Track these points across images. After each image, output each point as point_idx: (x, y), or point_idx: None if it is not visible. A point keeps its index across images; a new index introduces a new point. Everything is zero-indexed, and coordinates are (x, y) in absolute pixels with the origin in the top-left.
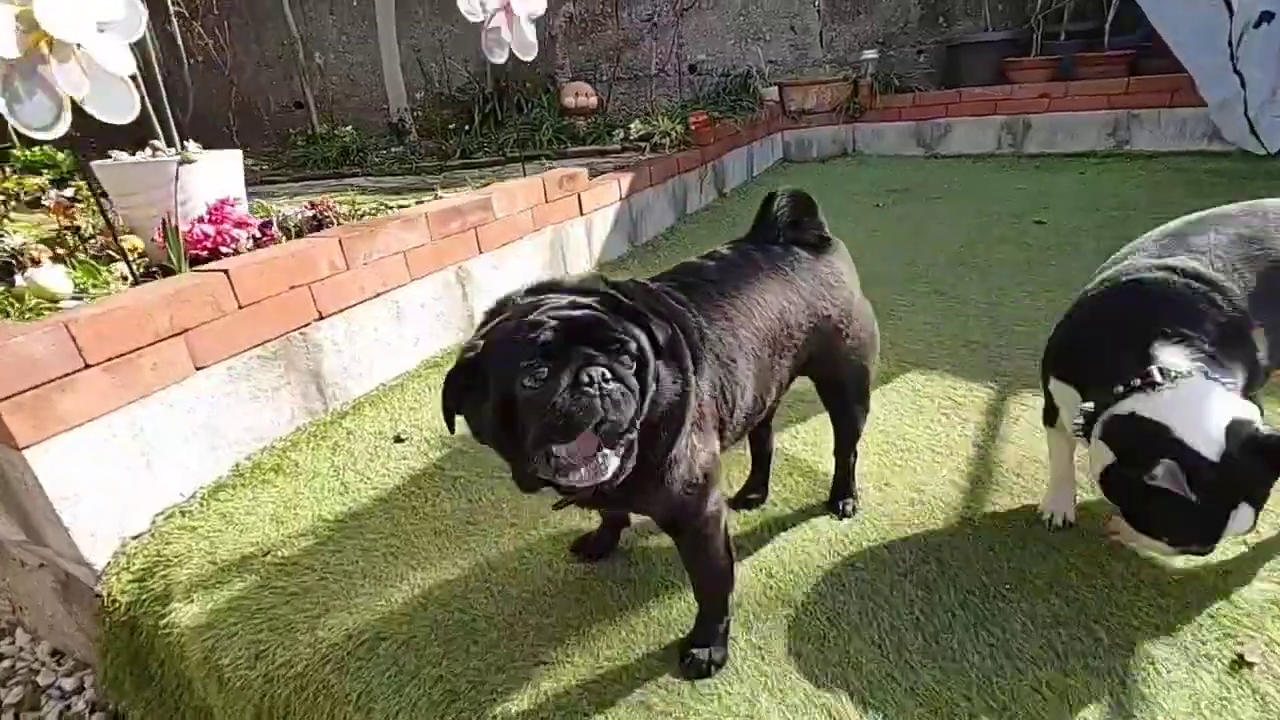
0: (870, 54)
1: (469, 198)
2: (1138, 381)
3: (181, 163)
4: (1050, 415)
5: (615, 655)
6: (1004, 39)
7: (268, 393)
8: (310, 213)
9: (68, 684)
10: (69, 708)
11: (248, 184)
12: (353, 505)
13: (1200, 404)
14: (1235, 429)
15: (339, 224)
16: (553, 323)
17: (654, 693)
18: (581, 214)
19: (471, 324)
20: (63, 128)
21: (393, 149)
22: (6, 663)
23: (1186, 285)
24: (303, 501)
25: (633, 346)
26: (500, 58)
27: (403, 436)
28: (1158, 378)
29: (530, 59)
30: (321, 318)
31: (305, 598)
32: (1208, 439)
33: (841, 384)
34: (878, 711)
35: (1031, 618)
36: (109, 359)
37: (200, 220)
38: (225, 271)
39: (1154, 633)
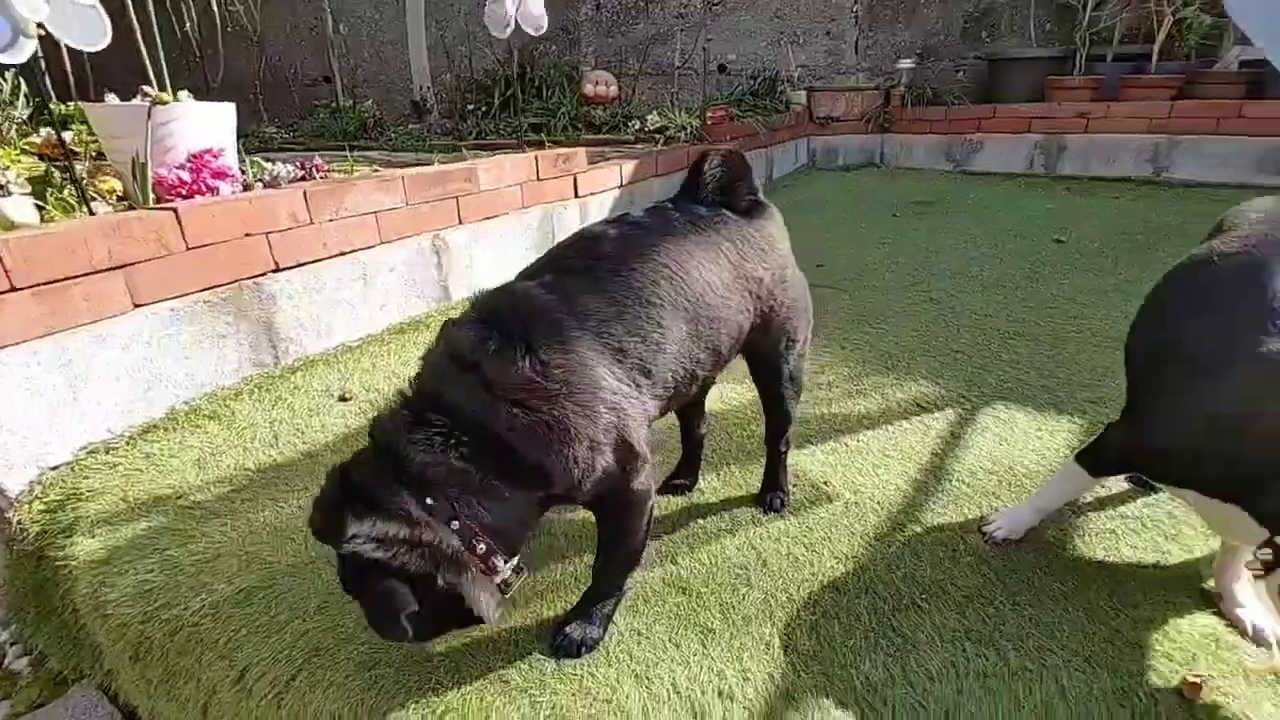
0: (906, 63)
1: (453, 166)
2: None
3: (154, 104)
4: (1093, 460)
5: (488, 626)
6: (1048, 56)
7: (213, 339)
8: (300, 172)
9: None
10: None
11: (265, 151)
12: (279, 458)
13: None
14: None
15: None
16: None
17: (515, 668)
18: (576, 196)
19: (445, 295)
20: (22, 53)
21: (411, 126)
22: None
23: None
24: (230, 450)
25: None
26: (502, 32)
27: (347, 396)
28: None
29: (537, 33)
30: (278, 269)
31: (202, 541)
32: None
33: (773, 360)
34: (745, 712)
35: (940, 631)
36: (38, 284)
37: (179, 167)
38: (174, 210)
39: (1071, 659)
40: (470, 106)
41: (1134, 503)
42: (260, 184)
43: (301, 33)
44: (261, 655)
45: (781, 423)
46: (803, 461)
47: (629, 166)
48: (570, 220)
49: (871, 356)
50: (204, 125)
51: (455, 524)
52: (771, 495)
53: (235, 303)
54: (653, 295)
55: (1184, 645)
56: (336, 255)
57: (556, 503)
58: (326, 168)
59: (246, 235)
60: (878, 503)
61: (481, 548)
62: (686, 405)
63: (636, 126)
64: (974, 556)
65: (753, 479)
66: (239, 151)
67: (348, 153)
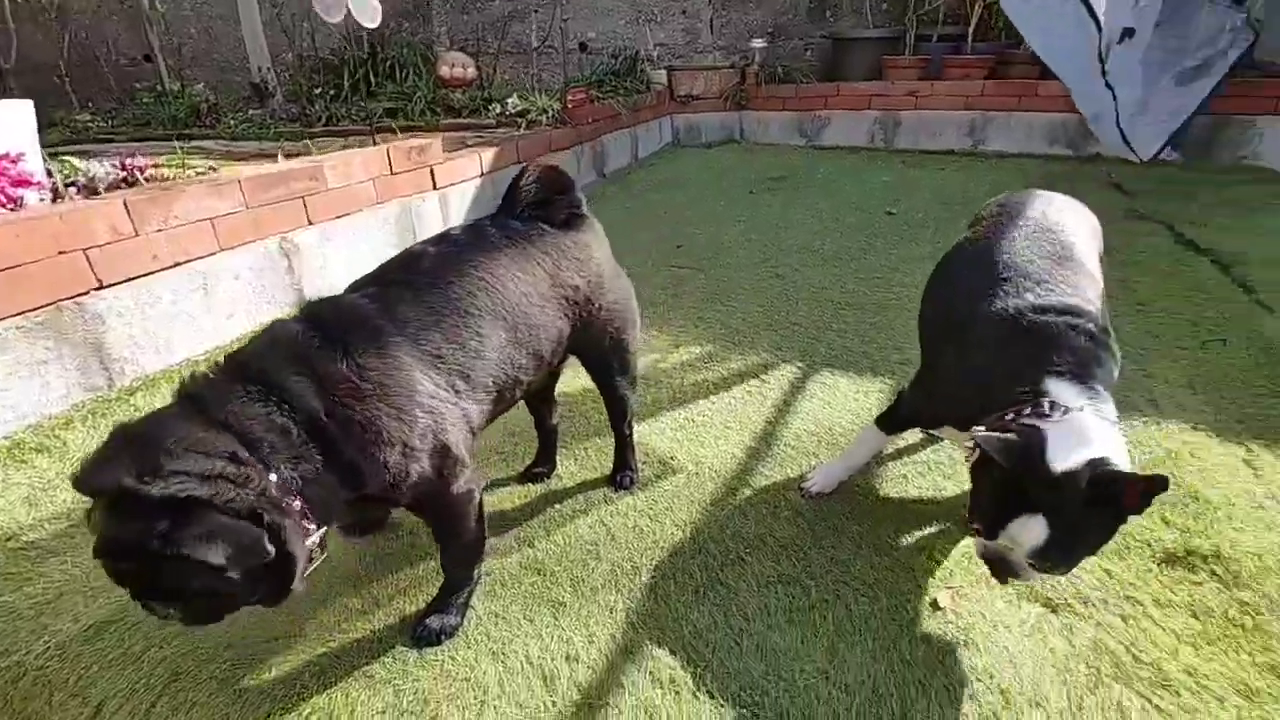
0: (758, 43)
1: (296, 165)
2: (1028, 410)
3: None
4: (888, 421)
5: (351, 628)
6: (883, 37)
7: (31, 367)
8: (121, 173)
9: None
10: None
11: (79, 144)
12: None
13: (1079, 433)
14: (1096, 461)
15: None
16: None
17: (379, 662)
18: (435, 188)
19: (300, 298)
20: None
21: (252, 111)
22: None
23: (1068, 325)
24: (63, 482)
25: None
26: (336, 16)
27: None
28: (1047, 409)
29: (335, 20)
30: (102, 286)
31: (40, 582)
32: (1065, 458)
33: (601, 358)
34: (589, 670)
35: (759, 578)
36: None
37: None
38: None
39: (859, 587)
40: (318, 90)
41: (924, 450)
42: (74, 189)
43: (111, 5)
44: (118, 688)
45: (620, 410)
46: (653, 439)
47: (489, 154)
48: (430, 213)
49: (722, 333)
50: None
51: (273, 476)
52: (621, 475)
53: (54, 326)
54: (470, 306)
55: (945, 564)
56: (170, 266)
57: (373, 504)
58: (151, 165)
59: (60, 253)
60: (715, 471)
61: (297, 505)
62: (537, 400)
63: (497, 110)
64: (792, 510)
65: (607, 460)
66: (41, 152)
67: (178, 144)
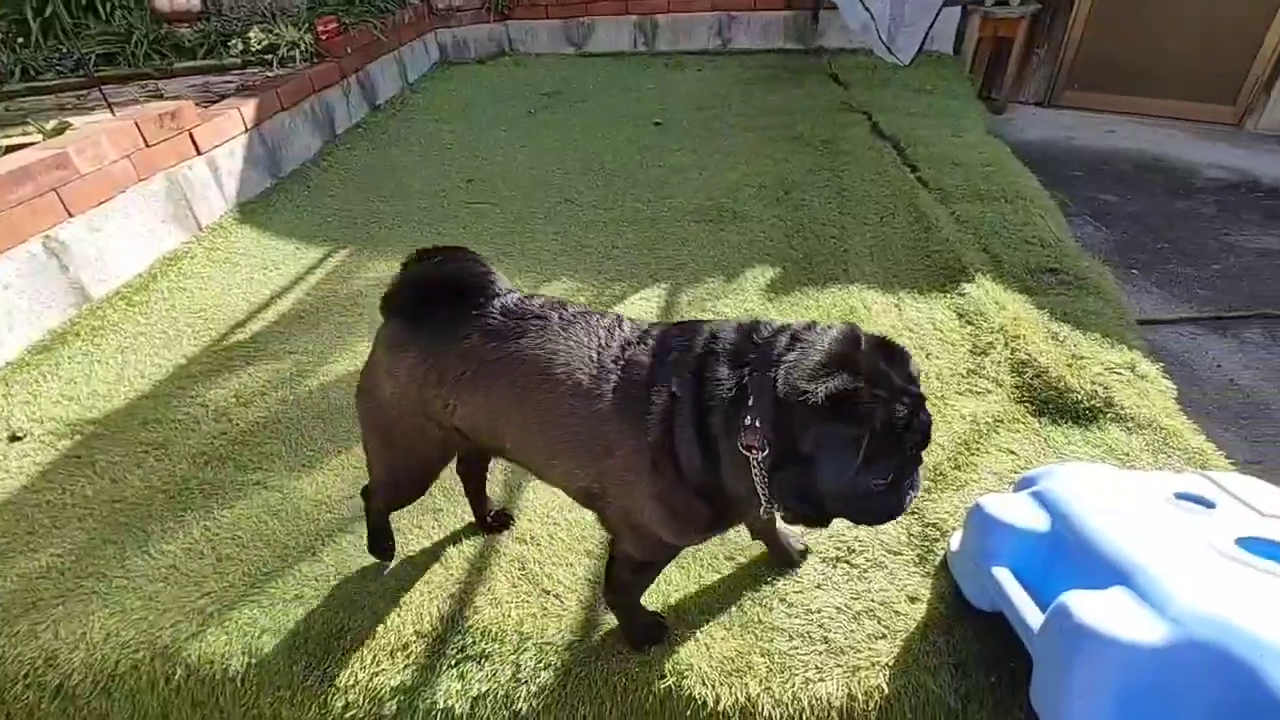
0: None
1: (37, 155)
2: None
3: None
4: None
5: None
6: None
7: None
8: None
9: None
10: None
11: None
12: None
13: None
14: None
15: None
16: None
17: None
18: (199, 153)
19: (84, 295)
20: None
21: None
22: None
23: None
24: None
25: None
26: None
27: (19, 435)
28: None
29: None
30: None
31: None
32: None
33: None
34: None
35: None
36: None
37: None
38: None
39: None
40: None
41: None
42: None
43: None
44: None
45: None
46: None
47: (250, 108)
48: (201, 179)
49: (526, 264)
50: None
51: None
52: None
53: None
54: None
55: None
56: None
57: None
58: None
59: None
60: None
61: None
62: None
63: (239, 48)
64: None
65: None
66: None
67: None
